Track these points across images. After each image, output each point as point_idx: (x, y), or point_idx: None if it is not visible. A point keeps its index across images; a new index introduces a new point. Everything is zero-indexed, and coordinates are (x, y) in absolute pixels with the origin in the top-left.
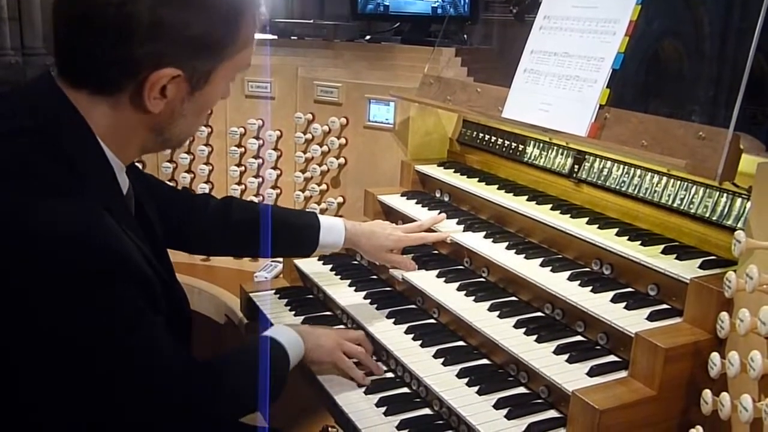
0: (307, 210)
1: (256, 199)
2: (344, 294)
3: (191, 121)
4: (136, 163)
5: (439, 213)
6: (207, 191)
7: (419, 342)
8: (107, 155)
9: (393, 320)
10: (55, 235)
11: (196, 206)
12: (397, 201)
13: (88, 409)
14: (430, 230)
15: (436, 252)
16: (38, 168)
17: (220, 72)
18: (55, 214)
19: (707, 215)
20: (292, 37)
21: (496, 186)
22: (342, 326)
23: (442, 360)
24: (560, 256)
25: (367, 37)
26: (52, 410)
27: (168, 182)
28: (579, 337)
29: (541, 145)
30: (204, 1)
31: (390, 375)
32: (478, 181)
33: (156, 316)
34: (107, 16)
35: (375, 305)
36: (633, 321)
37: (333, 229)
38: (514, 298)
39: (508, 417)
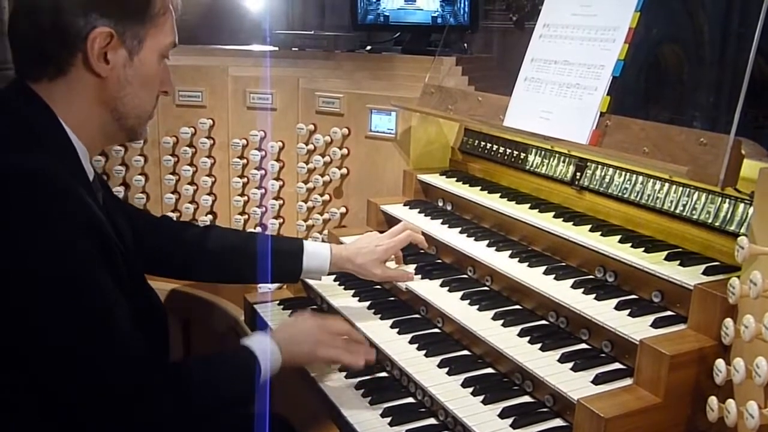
0: (294, 237)
1: (258, 210)
2: (348, 304)
3: (138, 92)
4: (139, 176)
5: (442, 222)
6: (210, 203)
7: (423, 351)
8: (71, 138)
9: (397, 330)
10: (16, 176)
11: (174, 232)
12: (399, 210)
13: (30, 362)
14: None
15: (439, 261)
16: (6, 135)
17: (149, 39)
18: (19, 164)
19: (710, 221)
20: (293, 49)
21: (499, 194)
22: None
23: (446, 369)
24: (564, 263)
25: (368, 48)
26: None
27: (171, 194)
28: (583, 345)
29: (543, 153)
30: None
31: (394, 385)
32: (481, 189)
33: (115, 282)
34: (38, 3)
35: (379, 315)
36: (637, 328)
37: (317, 255)
38: (518, 307)
39: (513, 426)
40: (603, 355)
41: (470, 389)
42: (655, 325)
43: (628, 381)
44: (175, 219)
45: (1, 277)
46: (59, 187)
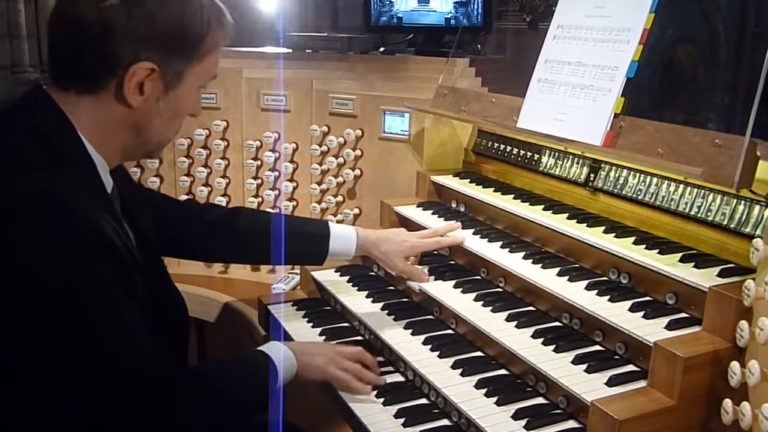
0: (320, 219)
1: (272, 212)
2: (361, 305)
3: (166, 123)
4: (154, 178)
5: (455, 222)
6: (224, 204)
7: (437, 353)
8: (90, 151)
9: (410, 331)
10: (27, 199)
11: (197, 214)
12: (413, 212)
13: (44, 381)
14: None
15: (453, 262)
16: (21, 152)
17: (191, 75)
18: (32, 185)
19: (725, 223)
20: (307, 51)
21: (512, 196)
22: (359, 337)
23: (460, 371)
24: (577, 265)
25: (381, 49)
26: (11, 379)
27: (185, 196)
28: (597, 347)
29: (557, 154)
30: (178, 6)
31: (408, 386)
32: (494, 191)
33: (127, 297)
34: (90, 20)
35: (392, 316)
36: (651, 330)
37: (344, 238)
38: (531, 308)
39: (527, 428)
40: (617, 357)
41: (483, 390)
42: (670, 327)
43: (642, 383)
44: (199, 203)
45: (13, 300)
46: (73, 210)
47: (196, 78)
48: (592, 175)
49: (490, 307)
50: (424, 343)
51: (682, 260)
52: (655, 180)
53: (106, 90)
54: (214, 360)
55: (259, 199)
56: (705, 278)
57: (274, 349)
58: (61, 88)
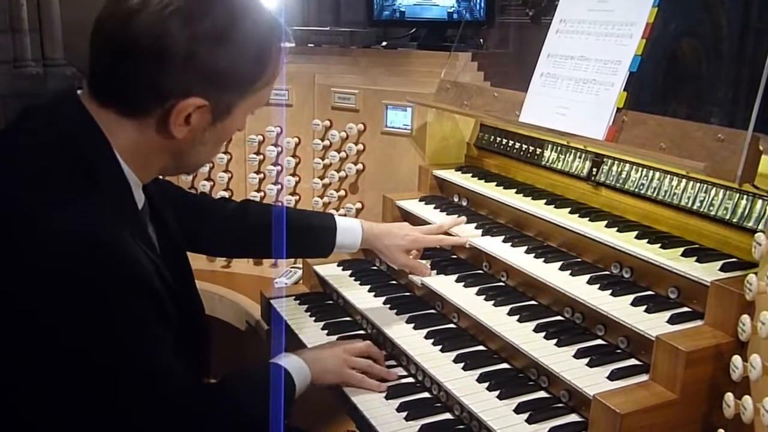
0: (325, 212)
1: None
2: (364, 299)
3: (210, 149)
4: None
5: (459, 216)
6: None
7: (439, 347)
8: (125, 171)
9: (413, 325)
10: (70, 245)
11: (213, 210)
12: (415, 206)
13: (92, 421)
14: (449, 234)
15: (454, 257)
16: (57, 177)
17: (243, 105)
18: (72, 223)
19: (727, 217)
20: (309, 45)
21: (515, 190)
22: (362, 331)
23: (462, 365)
24: (579, 259)
25: (384, 43)
26: (55, 419)
27: (188, 190)
28: (599, 341)
29: (559, 148)
30: (237, 40)
31: (410, 380)
32: (496, 185)
33: (165, 332)
34: (144, 46)
35: (394, 310)
36: (653, 324)
37: (350, 231)
38: (533, 303)
39: (529, 421)
40: (619, 351)
41: (486, 384)
42: (672, 321)
43: (644, 377)
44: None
45: (56, 339)
46: (113, 252)
47: (247, 108)
48: (594, 170)
49: (492, 302)
50: (427, 337)
51: (684, 254)
52: (657, 174)
53: (150, 117)
54: (237, 374)
55: (262, 194)
56: (707, 272)
57: (290, 361)
58: (99, 102)
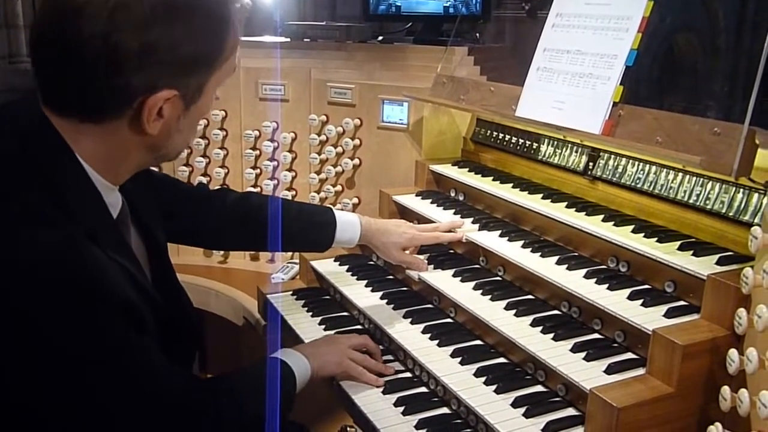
0: (324, 206)
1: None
2: (361, 294)
3: (186, 134)
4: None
5: (454, 213)
6: None
7: (436, 341)
8: (94, 180)
9: (410, 320)
10: (34, 265)
11: (213, 203)
12: (412, 201)
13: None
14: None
15: (451, 251)
16: (20, 196)
17: (212, 83)
18: (36, 243)
19: (724, 211)
20: (305, 40)
21: (511, 184)
22: (359, 326)
23: (459, 359)
24: (576, 253)
25: (380, 38)
26: None
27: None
28: (596, 335)
29: (556, 143)
30: (189, 20)
31: (408, 375)
32: (493, 179)
33: (144, 338)
34: (94, 49)
35: (392, 305)
36: (650, 318)
37: (349, 226)
38: (530, 297)
39: (526, 415)
40: (615, 345)
41: (483, 379)
42: (668, 315)
43: (640, 371)
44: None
45: (36, 369)
46: (78, 269)
47: (216, 83)
48: (590, 164)
49: (489, 296)
50: (424, 332)
51: (680, 248)
52: (653, 168)
53: (119, 119)
54: (236, 370)
55: (258, 189)
56: (703, 266)
57: (290, 356)
58: (58, 114)
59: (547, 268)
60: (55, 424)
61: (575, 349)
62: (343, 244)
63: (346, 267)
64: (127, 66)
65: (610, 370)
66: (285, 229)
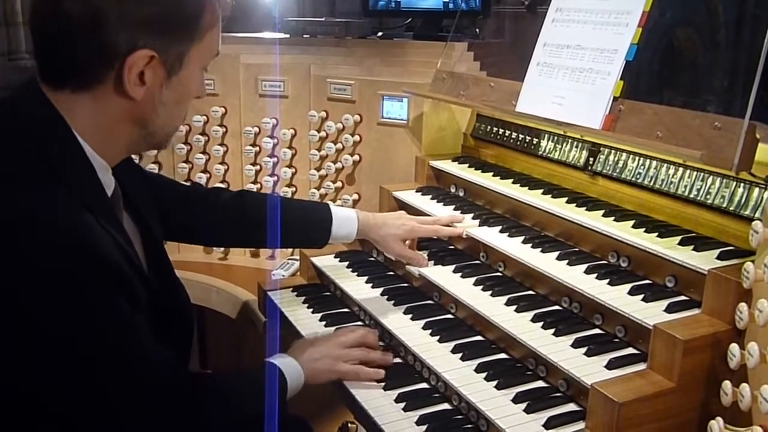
0: (321, 202)
1: (274, 195)
2: (361, 290)
3: (172, 110)
4: (152, 165)
5: (455, 208)
6: None
7: (437, 337)
8: (89, 155)
9: (410, 316)
10: (34, 229)
11: (208, 202)
12: (412, 197)
13: (69, 408)
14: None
15: (452, 247)
16: (18, 169)
17: (193, 56)
18: (35, 209)
19: (724, 205)
20: (304, 36)
21: (511, 180)
22: (359, 322)
23: (460, 355)
24: (576, 249)
25: (379, 34)
26: (34, 409)
27: (184, 182)
28: (597, 330)
29: (556, 138)
30: None
31: (408, 370)
32: (493, 175)
33: (137, 314)
34: (76, 13)
35: (392, 301)
36: (651, 313)
37: (346, 221)
38: (531, 292)
39: (527, 411)
40: (616, 340)
41: (483, 374)
42: (669, 310)
43: (641, 366)
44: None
45: (27, 333)
46: (68, 232)
47: (198, 58)
48: (591, 159)
49: (490, 292)
50: (424, 327)
51: (681, 243)
52: (654, 163)
53: (104, 84)
54: (234, 371)
55: (258, 186)
56: (704, 261)
57: (285, 362)
58: (53, 86)
59: (548, 263)
60: (36, 390)
61: (576, 345)
62: (340, 239)
63: (346, 263)
64: (107, 27)
65: (611, 366)
66: (281, 226)
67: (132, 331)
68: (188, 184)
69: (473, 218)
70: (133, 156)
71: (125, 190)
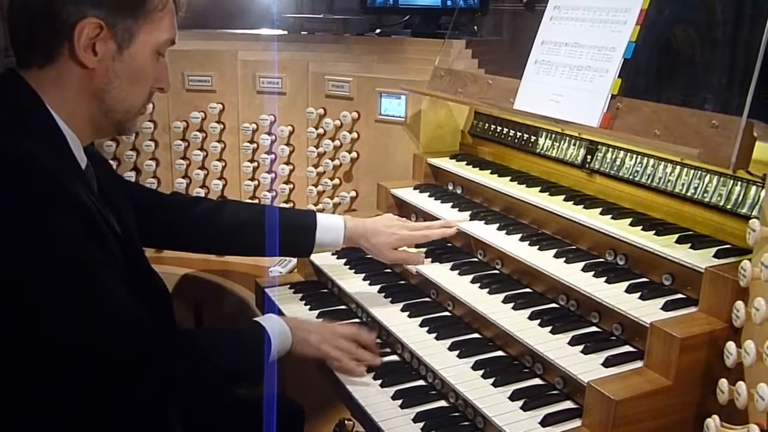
0: (307, 209)
1: (269, 194)
2: (358, 287)
3: (127, 87)
4: (150, 161)
5: (452, 206)
6: (220, 187)
7: (434, 335)
8: (61, 126)
9: (408, 313)
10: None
11: (188, 210)
12: (409, 194)
13: (31, 345)
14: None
15: (449, 245)
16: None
17: (142, 34)
18: (6, 146)
19: (721, 204)
20: (302, 32)
21: (509, 177)
22: (356, 320)
23: (457, 352)
24: (574, 247)
25: (377, 31)
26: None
27: (181, 179)
28: (594, 328)
29: (554, 136)
30: None
31: (405, 367)
32: (491, 173)
33: (110, 268)
34: None
35: (389, 298)
36: (648, 311)
37: (331, 229)
38: (528, 290)
39: (524, 408)
40: (613, 337)
41: (481, 372)
42: (666, 307)
43: (638, 364)
44: (185, 195)
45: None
46: (41, 169)
47: (148, 37)
48: (588, 157)
49: (487, 289)
50: (421, 325)
51: (678, 241)
52: (651, 161)
53: (63, 56)
54: (213, 328)
55: (256, 182)
56: (701, 259)
57: (270, 321)
58: (25, 67)
59: (545, 261)
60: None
61: (573, 342)
62: (326, 246)
63: (343, 260)
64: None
65: (607, 363)
66: (266, 234)
67: (103, 274)
68: (191, 178)
69: (471, 216)
70: (131, 151)
71: (99, 178)
